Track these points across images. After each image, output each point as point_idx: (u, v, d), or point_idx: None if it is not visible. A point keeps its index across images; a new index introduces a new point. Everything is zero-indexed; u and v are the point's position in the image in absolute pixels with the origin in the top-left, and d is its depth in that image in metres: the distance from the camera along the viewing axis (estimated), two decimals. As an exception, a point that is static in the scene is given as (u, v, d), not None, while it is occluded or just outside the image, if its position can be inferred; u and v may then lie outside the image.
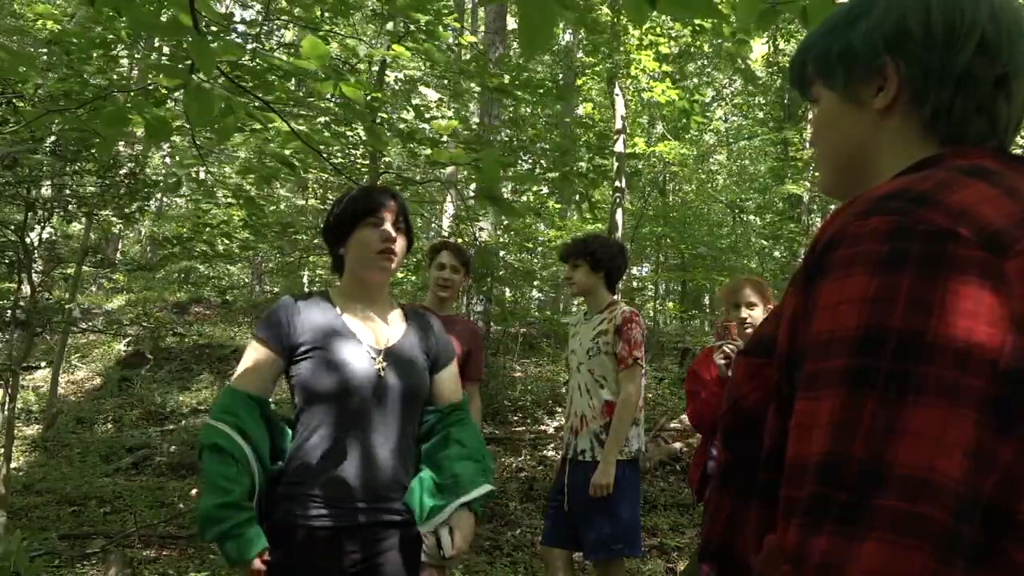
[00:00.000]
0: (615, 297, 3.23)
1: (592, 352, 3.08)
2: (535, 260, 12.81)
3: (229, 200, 5.27)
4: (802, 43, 0.91)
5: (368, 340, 1.77)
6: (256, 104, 2.37)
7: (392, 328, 1.85)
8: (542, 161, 7.00)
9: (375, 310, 1.85)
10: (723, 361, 2.92)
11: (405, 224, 1.85)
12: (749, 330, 3.03)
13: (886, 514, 0.57)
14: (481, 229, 8.48)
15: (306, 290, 2.03)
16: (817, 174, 0.92)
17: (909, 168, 0.76)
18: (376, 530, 1.72)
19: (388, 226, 1.78)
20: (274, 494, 1.70)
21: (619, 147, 10.20)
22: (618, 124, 10.14)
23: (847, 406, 0.61)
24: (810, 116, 14.18)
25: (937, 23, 0.77)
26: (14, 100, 4.83)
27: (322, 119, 4.65)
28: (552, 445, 7.47)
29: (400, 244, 1.81)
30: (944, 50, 0.77)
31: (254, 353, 1.74)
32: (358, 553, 1.69)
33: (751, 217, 18.05)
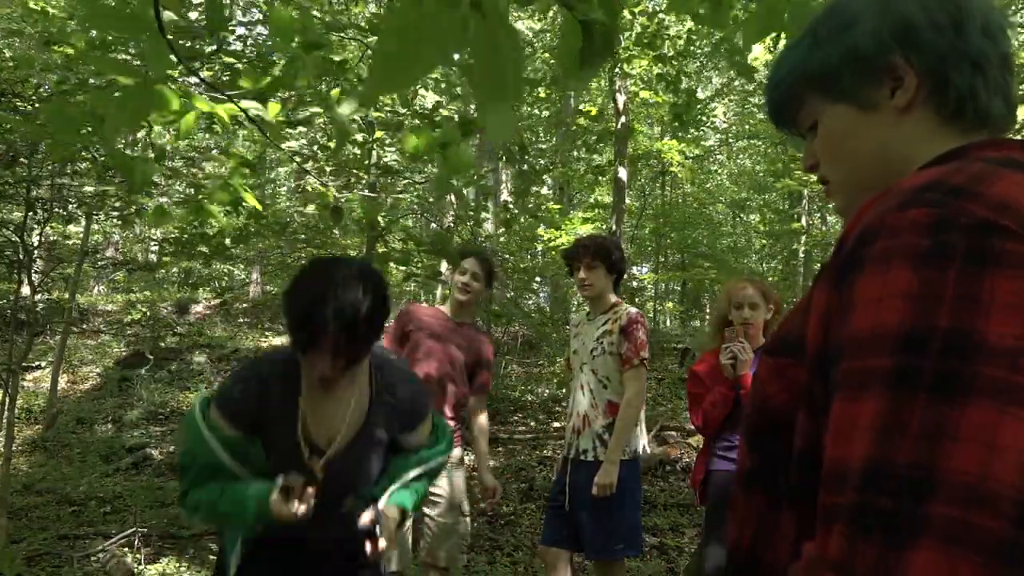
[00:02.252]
0: (618, 298, 3.24)
1: (596, 352, 3.08)
2: (534, 260, 12.81)
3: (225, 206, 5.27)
4: (779, 67, 0.87)
5: (317, 434, 1.68)
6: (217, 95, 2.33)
7: (353, 416, 1.71)
8: (541, 160, 6.99)
9: (345, 394, 1.70)
10: (729, 361, 2.92)
11: (352, 344, 1.55)
12: (751, 331, 3.03)
13: (937, 523, 0.54)
14: (481, 231, 8.49)
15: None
16: (831, 198, 0.88)
17: (932, 161, 0.74)
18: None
19: (327, 361, 1.54)
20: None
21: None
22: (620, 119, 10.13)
23: (891, 408, 0.58)
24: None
25: (939, 10, 0.76)
26: (14, 100, 4.83)
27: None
28: (552, 445, 7.47)
29: (351, 372, 1.63)
30: (955, 34, 0.76)
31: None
32: None
33: (751, 217, 18.04)
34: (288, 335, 1.57)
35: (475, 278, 3.17)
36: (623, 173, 9.20)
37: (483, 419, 3.30)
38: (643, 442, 3.14)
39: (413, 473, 1.82)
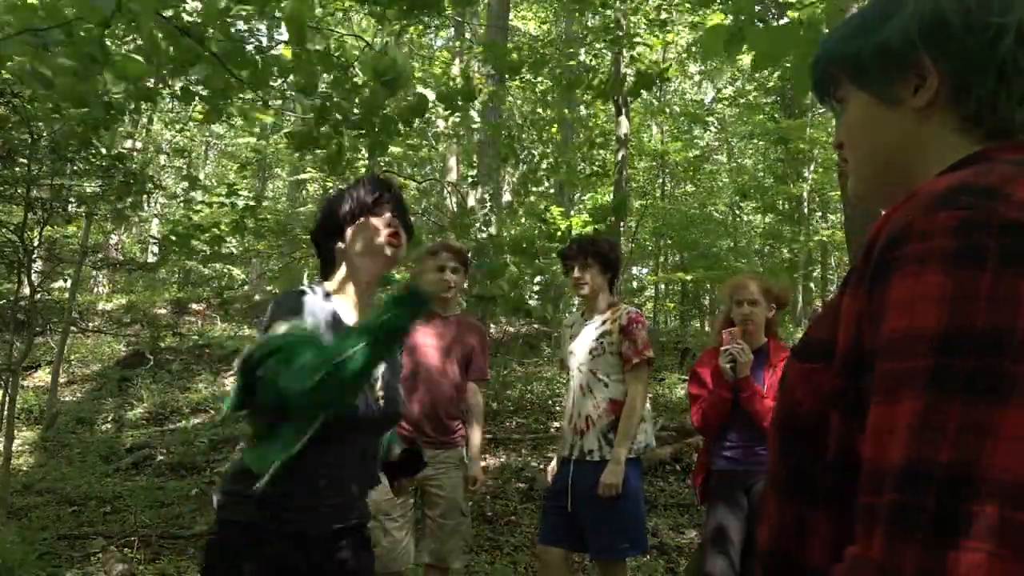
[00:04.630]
0: (614, 298, 3.23)
1: (595, 352, 3.08)
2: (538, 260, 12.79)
3: (221, 200, 5.25)
4: (824, 46, 0.89)
5: None
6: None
7: None
8: (543, 165, 6.96)
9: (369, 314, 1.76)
10: (728, 364, 2.91)
11: (404, 216, 1.80)
12: (751, 327, 3.02)
13: (982, 523, 0.54)
14: (482, 230, 8.47)
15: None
16: (849, 179, 0.90)
17: (954, 165, 0.74)
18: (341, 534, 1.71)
19: (389, 215, 1.74)
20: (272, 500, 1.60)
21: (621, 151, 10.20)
22: (623, 128, 10.13)
23: (930, 409, 0.58)
24: (816, 116, 14.17)
25: (974, 13, 0.75)
26: (13, 100, 4.83)
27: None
28: (552, 445, 7.47)
29: (402, 238, 1.76)
30: (984, 40, 0.75)
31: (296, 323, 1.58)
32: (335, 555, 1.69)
33: (750, 217, 18.04)
34: (330, 230, 1.74)
35: (454, 271, 3.18)
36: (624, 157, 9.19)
37: (479, 401, 3.30)
38: (650, 437, 3.16)
39: None
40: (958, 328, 0.59)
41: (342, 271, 1.78)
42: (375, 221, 1.73)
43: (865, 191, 0.87)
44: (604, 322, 3.10)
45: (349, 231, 1.74)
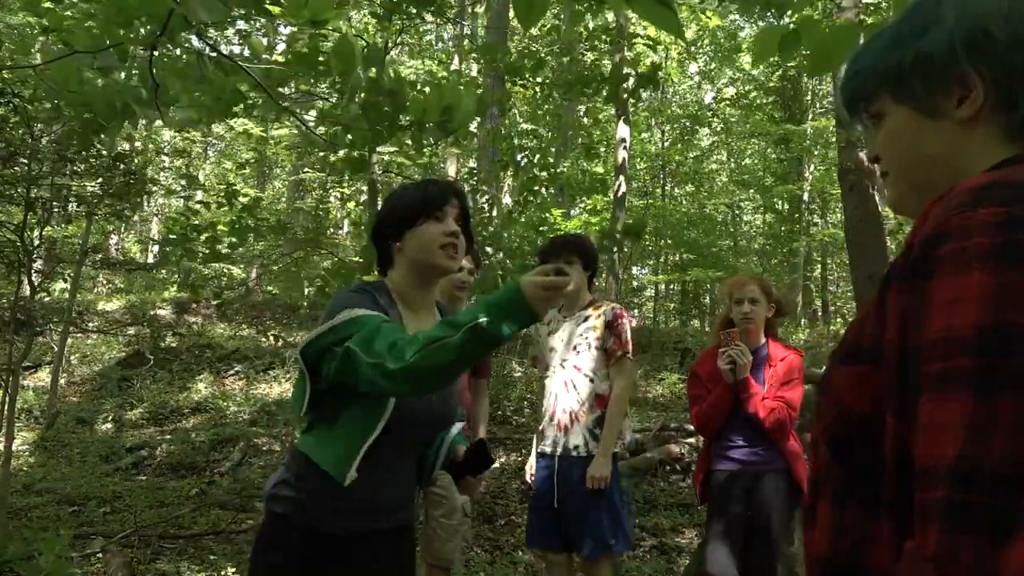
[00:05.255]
0: (592, 295, 3.27)
1: (580, 348, 3.10)
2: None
3: (219, 200, 5.24)
4: (858, 59, 0.89)
5: None
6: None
7: None
8: (545, 174, 6.94)
9: (428, 318, 1.74)
10: (728, 366, 2.91)
11: (466, 223, 1.74)
12: (750, 326, 3.02)
13: None
14: (483, 234, 8.47)
15: (362, 286, 1.94)
16: (887, 190, 0.90)
17: (993, 167, 0.75)
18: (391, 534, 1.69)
19: (451, 221, 1.68)
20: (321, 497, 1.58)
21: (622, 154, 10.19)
22: (621, 131, 10.13)
23: (980, 405, 0.59)
24: (816, 116, 14.17)
25: (1018, 27, 0.76)
26: (14, 100, 4.83)
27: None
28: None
29: (463, 244, 1.70)
30: None
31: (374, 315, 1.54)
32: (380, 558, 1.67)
33: (751, 217, 18.04)
34: (390, 230, 1.70)
35: (469, 272, 3.20)
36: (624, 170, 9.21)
37: (485, 402, 3.33)
38: (629, 432, 3.19)
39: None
40: (1002, 325, 0.59)
41: (397, 272, 1.74)
42: (433, 227, 1.67)
43: (905, 201, 0.87)
44: (587, 318, 3.13)
45: (407, 233, 1.69)
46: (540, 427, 3.20)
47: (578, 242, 3.19)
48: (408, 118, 3.00)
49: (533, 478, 3.21)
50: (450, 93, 2.90)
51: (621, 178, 9.35)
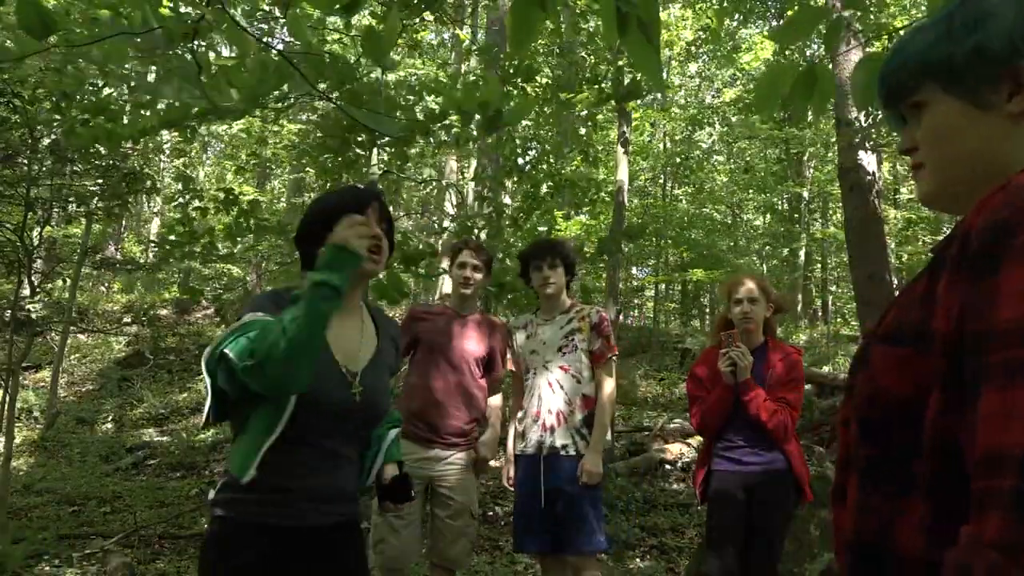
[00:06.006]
0: (572, 299, 3.32)
1: (567, 350, 3.14)
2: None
3: (217, 206, 5.24)
4: (904, 49, 0.89)
5: (343, 358, 1.71)
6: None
7: (365, 341, 1.79)
8: (547, 185, 6.93)
9: (349, 318, 1.76)
10: (728, 368, 2.90)
11: (388, 226, 1.78)
12: (750, 325, 3.01)
13: None
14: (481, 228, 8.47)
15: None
16: (919, 183, 0.90)
17: None
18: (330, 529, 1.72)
19: (373, 224, 1.69)
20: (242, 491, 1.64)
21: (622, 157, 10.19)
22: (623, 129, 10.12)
23: None
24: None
25: None
26: (13, 100, 4.83)
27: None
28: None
29: (384, 245, 1.74)
30: None
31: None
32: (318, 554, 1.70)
33: (749, 216, 18.04)
34: (313, 234, 1.71)
35: (475, 269, 3.19)
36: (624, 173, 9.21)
37: (499, 404, 3.33)
38: (609, 434, 3.23)
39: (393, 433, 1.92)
40: None
41: None
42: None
43: (939, 192, 0.87)
44: (570, 320, 3.17)
45: (329, 238, 1.69)
46: (519, 428, 3.19)
47: (561, 246, 3.24)
48: (445, 114, 3.01)
49: (512, 481, 3.21)
50: (490, 90, 2.90)
51: (623, 180, 9.35)
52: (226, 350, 1.52)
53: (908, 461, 0.75)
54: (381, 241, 1.73)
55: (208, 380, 1.60)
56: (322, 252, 1.57)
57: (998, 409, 0.63)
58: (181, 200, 5.42)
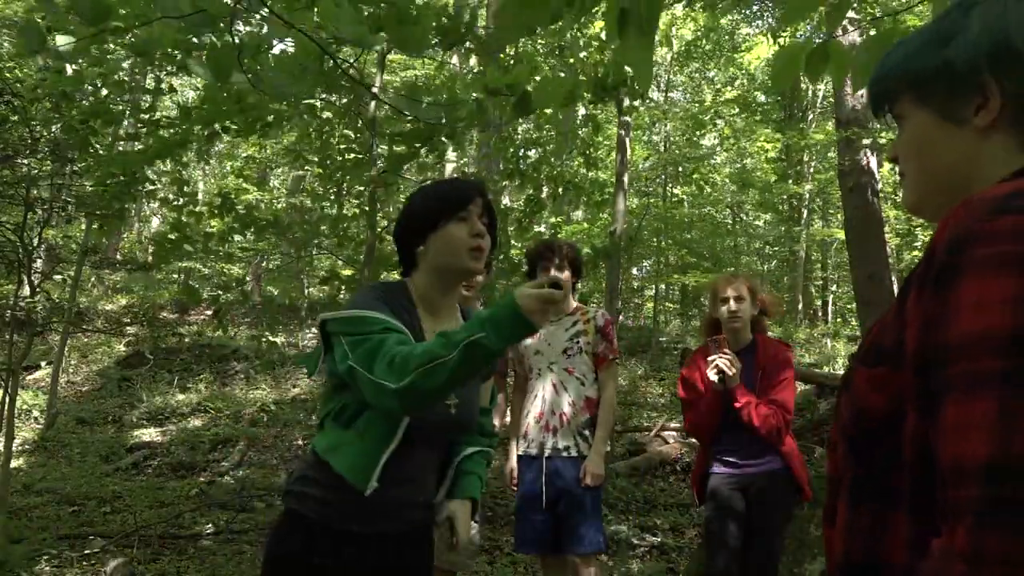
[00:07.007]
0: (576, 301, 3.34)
1: (571, 352, 3.15)
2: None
3: (213, 211, 5.23)
4: (886, 62, 0.91)
5: None
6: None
7: None
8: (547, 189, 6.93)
9: (447, 323, 1.69)
10: (716, 376, 2.87)
11: (491, 221, 1.69)
12: (737, 324, 2.99)
13: None
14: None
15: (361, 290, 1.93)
16: (903, 192, 0.93)
17: (1011, 175, 0.77)
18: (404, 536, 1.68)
19: (476, 221, 1.63)
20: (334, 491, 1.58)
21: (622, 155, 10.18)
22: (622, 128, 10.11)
23: (1007, 406, 0.61)
24: (817, 115, 14.16)
25: None
26: (13, 100, 4.83)
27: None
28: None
29: (486, 244, 1.65)
30: None
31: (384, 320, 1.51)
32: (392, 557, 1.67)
33: (749, 216, 18.03)
34: (413, 232, 1.65)
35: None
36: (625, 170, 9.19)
37: (502, 407, 3.35)
38: None
39: (476, 449, 1.84)
40: None
41: (420, 275, 1.69)
42: (459, 228, 1.63)
43: (921, 203, 0.90)
44: (575, 323, 3.18)
45: (431, 236, 1.64)
46: (521, 430, 3.20)
47: (569, 247, 3.24)
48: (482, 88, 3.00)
49: (515, 482, 3.21)
50: (521, 73, 2.89)
51: (623, 180, 9.35)
52: (354, 361, 1.45)
53: (890, 477, 0.77)
54: (484, 239, 1.64)
55: (321, 340, 1.59)
56: (502, 298, 1.41)
57: (958, 421, 0.64)
58: (177, 203, 5.42)
